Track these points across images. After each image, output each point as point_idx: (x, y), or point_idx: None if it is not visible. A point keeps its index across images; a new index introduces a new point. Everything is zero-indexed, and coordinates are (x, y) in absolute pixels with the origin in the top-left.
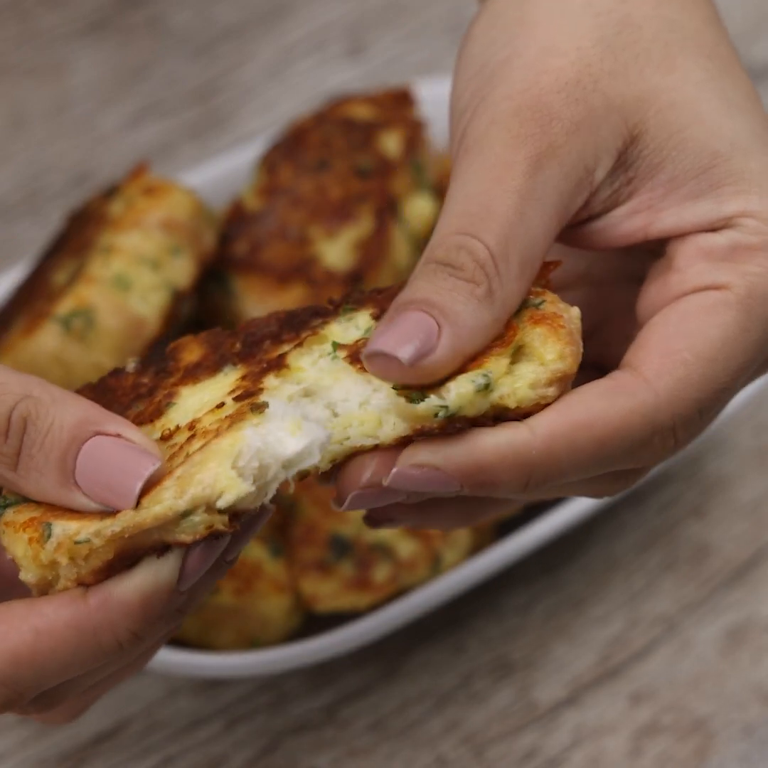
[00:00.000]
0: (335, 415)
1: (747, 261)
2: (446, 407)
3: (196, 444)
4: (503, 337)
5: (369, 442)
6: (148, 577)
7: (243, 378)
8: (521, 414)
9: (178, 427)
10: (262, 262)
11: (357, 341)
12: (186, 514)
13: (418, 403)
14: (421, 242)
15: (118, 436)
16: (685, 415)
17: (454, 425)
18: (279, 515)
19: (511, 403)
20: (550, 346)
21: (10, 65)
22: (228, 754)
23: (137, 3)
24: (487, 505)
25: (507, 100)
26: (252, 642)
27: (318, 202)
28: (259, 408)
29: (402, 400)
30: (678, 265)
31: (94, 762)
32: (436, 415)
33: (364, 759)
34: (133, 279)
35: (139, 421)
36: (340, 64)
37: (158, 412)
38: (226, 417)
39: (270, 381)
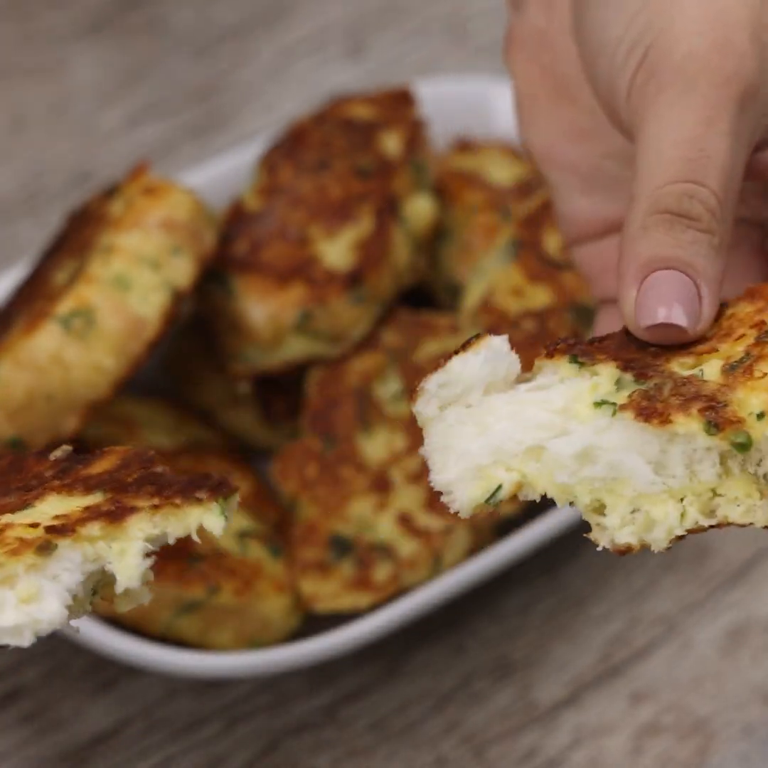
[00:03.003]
0: (665, 486)
1: None
2: None
3: None
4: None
5: (710, 522)
6: None
7: (86, 509)
8: None
9: None
10: (262, 262)
11: (631, 394)
12: None
13: (744, 449)
14: (421, 242)
15: None
16: None
17: None
18: (279, 515)
19: None
20: None
21: (10, 65)
22: (228, 754)
23: (137, 3)
24: None
25: (698, 36)
26: (252, 642)
27: (318, 202)
28: (43, 551)
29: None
30: None
31: (94, 762)
32: None
33: (364, 759)
34: (133, 279)
35: (1, 511)
36: (340, 64)
37: (14, 509)
38: (19, 538)
39: (90, 529)
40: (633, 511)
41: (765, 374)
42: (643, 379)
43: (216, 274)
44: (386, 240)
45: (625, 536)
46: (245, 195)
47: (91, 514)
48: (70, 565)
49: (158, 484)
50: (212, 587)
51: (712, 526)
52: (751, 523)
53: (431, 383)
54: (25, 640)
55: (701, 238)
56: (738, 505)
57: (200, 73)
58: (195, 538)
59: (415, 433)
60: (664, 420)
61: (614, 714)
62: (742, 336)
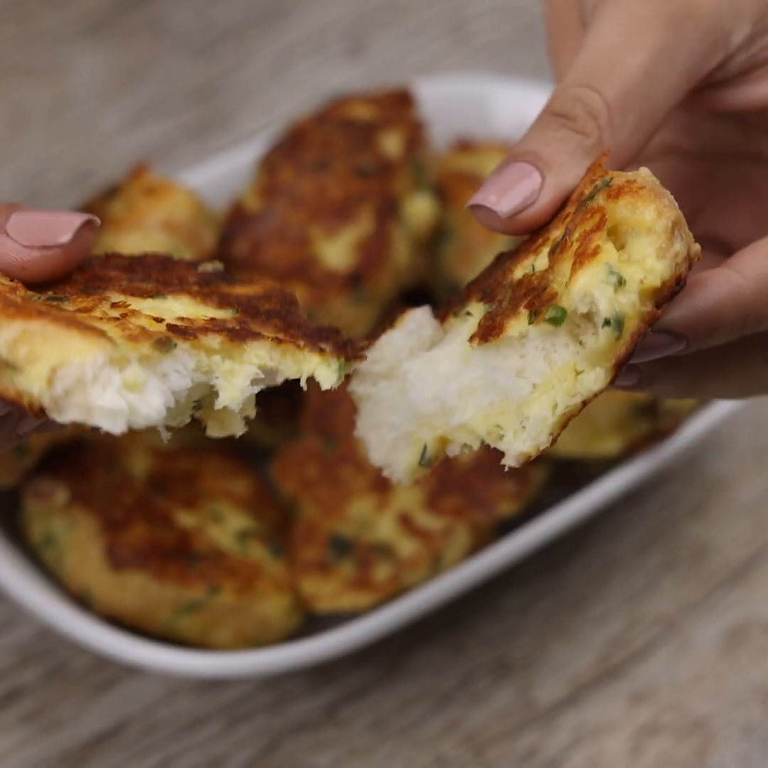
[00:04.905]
0: (533, 386)
1: None
2: (607, 320)
3: (108, 310)
4: (592, 227)
5: (577, 400)
6: None
7: (211, 320)
8: (669, 297)
9: (107, 298)
10: (262, 262)
11: (480, 320)
12: (8, 365)
13: (558, 323)
14: (421, 242)
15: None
16: None
17: (630, 358)
18: (279, 515)
19: (657, 282)
20: (643, 210)
21: (10, 65)
22: (228, 754)
23: (137, 3)
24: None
25: None
26: (252, 642)
27: (318, 202)
28: (161, 346)
29: (575, 352)
30: None
31: (94, 762)
32: (617, 339)
33: (364, 759)
34: None
35: (130, 288)
36: (340, 64)
37: (145, 294)
38: (141, 327)
39: (211, 340)
40: (522, 422)
41: (574, 243)
42: (490, 302)
43: None
44: (386, 240)
45: (521, 446)
46: (245, 195)
47: (214, 325)
48: (182, 368)
49: (288, 322)
50: (212, 587)
51: (584, 403)
52: (601, 390)
53: (366, 364)
54: (117, 427)
55: (570, 137)
56: (595, 378)
57: (200, 73)
58: (303, 384)
59: None
60: (499, 331)
61: (614, 714)
62: (568, 215)
